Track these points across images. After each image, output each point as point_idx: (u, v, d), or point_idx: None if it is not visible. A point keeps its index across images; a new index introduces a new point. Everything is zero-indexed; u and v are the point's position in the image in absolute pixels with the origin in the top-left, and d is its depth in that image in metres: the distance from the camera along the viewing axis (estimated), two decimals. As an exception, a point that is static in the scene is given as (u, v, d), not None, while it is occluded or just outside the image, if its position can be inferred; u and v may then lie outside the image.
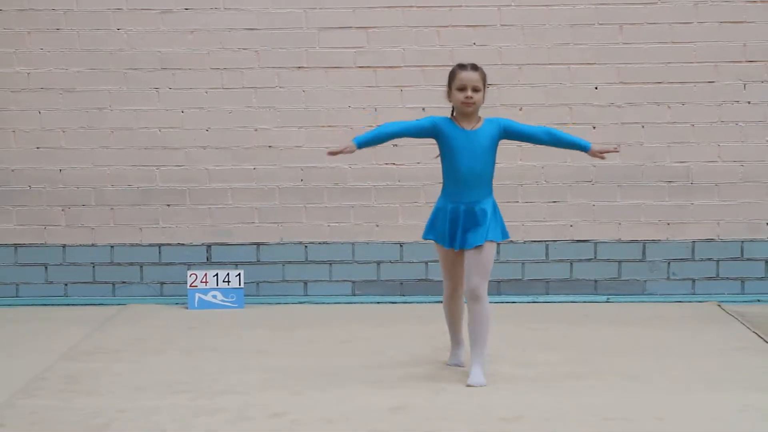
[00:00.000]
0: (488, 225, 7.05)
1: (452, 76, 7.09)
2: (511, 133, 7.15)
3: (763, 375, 7.23)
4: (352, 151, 6.94)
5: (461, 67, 7.09)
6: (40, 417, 6.27)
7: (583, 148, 7.19)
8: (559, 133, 7.24)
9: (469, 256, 7.01)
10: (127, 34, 10.33)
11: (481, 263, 7.00)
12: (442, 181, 7.20)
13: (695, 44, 10.23)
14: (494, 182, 10.22)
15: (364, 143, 6.99)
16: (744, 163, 10.27)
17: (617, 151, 7.42)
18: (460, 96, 7.01)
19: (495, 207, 7.20)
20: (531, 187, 10.31)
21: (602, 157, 7.25)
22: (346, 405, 6.51)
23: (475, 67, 7.07)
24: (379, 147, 10.18)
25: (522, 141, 7.32)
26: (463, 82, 6.99)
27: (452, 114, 7.16)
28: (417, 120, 7.19)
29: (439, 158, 7.17)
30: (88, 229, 10.43)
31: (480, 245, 7.00)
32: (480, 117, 7.12)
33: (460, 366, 7.38)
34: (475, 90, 6.98)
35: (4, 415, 6.31)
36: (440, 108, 10.27)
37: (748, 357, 7.79)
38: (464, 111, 7.04)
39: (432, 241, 7.33)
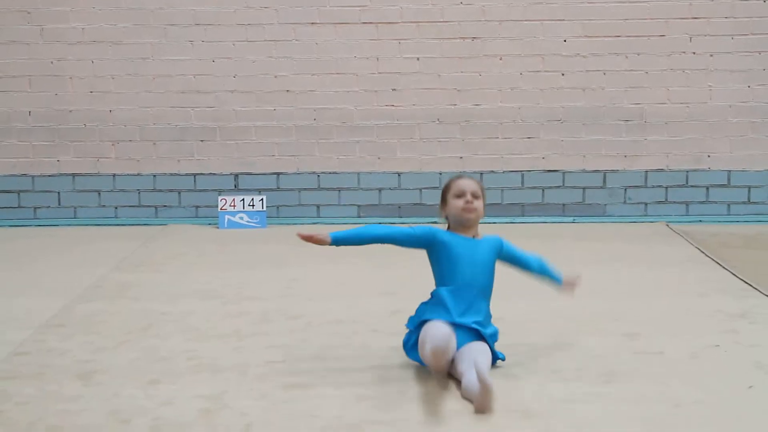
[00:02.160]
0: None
1: (446, 188, 5.26)
2: (506, 253, 5.32)
3: (703, 283, 7.23)
4: (323, 243, 5.09)
5: (456, 177, 5.34)
6: (95, 319, 6.28)
7: (556, 282, 5.49)
8: (545, 267, 5.48)
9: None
10: (166, -5, 10.27)
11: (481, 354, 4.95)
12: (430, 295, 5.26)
13: (649, 3, 10.16)
14: (477, 122, 10.23)
15: (340, 241, 5.16)
16: (689, 105, 10.23)
17: (577, 284, 5.56)
18: (458, 203, 5.15)
19: (494, 336, 5.20)
20: (509, 125, 10.27)
21: (571, 292, 5.59)
22: (353, 309, 6.51)
23: (471, 178, 5.32)
24: (380, 90, 10.20)
25: (513, 265, 5.40)
26: (461, 188, 5.18)
27: (448, 228, 5.27)
28: (410, 228, 5.26)
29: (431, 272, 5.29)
30: (134, 161, 10.40)
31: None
32: (478, 232, 5.26)
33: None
34: (475, 197, 5.17)
35: (64, 318, 6.32)
36: (432, 57, 10.24)
37: (691, 268, 7.79)
38: (464, 219, 5.16)
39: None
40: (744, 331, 5.90)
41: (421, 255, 5.22)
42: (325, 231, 5.12)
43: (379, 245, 5.32)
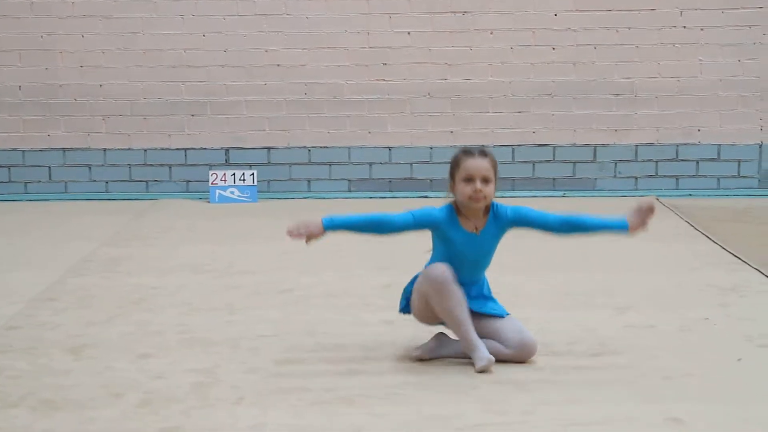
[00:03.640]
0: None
1: (455, 164, 4.84)
2: (524, 222, 4.92)
3: (693, 257, 7.24)
4: (316, 237, 4.77)
5: (466, 153, 4.84)
6: (87, 293, 6.27)
7: (620, 228, 5.07)
8: (579, 221, 5.04)
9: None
10: (156, -31, 10.21)
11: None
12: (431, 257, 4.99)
13: (640, -23, 10.14)
14: (468, 96, 10.21)
15: (334, 227, 4.80)
16: (680, 79, 10.23)
17: (652, 210, 5.08)
18: (466, 189, 4.75)
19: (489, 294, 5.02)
20: (500, 99, 10.25)
21: (645, 227, 5.09)
22: (345, 282, 6.52)
23: (483, 153, 4.84)
24: (371, 64, 10.18)
25: (537, 230, 5.00)
26: (470, 172, 4.75)
27: (455, 206, 4.87)
28: (410, 215, 4.83)
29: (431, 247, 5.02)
30: (125, 136, 10.37)
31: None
32: (488, 205, 4.85)
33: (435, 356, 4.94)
34: (485, 181, 4.76)
35: (57, 291, 6.31)
36: (423, 31, 10.20)
37: (682, 242, 7.80)
38: (473, 207, 4.80)
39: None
40: (734, 304, 5.92)
41: (406, 233, 5.07)
42: (316, 219, 4.76)
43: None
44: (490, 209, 4.87)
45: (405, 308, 5.06)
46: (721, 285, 6.36)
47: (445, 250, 4.86)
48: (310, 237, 4.75)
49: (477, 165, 4.77)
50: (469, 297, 4.85)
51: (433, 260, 4.92)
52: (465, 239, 4.83)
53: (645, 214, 4.98)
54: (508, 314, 4.94)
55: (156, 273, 6.85)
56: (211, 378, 4.62)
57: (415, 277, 4.99)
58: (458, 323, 4.75)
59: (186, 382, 4.56)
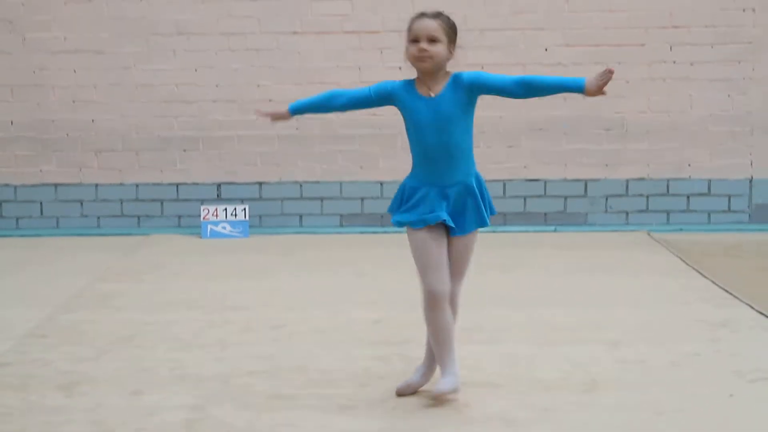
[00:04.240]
0: (483, 205, 4.88)
1: (408, 27, 4.75)
2: (481, 87, 4.78)
3: (684, 291, 7.26)
4: (282, 118, 4.94)
5: (418, 15, 4.75)
6: (78, 329, 6.27)
7: (576, 88, 4.74)
8: (536, 81, 4.78)
9: (459, 245, 4.86)
10: (149, 4, 10.22)
11: (468, 257, 4.95)
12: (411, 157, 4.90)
13: (629, 12, 10.19)
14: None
15: (299, 110, 4.95)
16: (670, 114, 10.27)
17: (611, 72, 4.69)
18: (412, 49, 4.68)
19: (482, 184, 4.94)
20: (491, 133, 10.29)
21: (603, 91, 4.74)
22: (335, 318, 6.53)
23: (436, 15, 4.75)
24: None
25: (500, 95, 4.89)
26: (415, 32, 4.68)
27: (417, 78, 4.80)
28: (368, 89, 4.87)
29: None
30: (116, 171, 10.38)
31: (473, 231, 4.87)
32: (448, 73, 4.79)
33: (413, 386, 4.97)
34: (432, 41, 4.65)
35: (47, 327, 6.31)
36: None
37: (673, 277, 7.82)
38: (419, 68, 4.71)
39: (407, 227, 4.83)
40: (725, 339, 5.94)
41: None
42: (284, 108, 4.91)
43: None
44: (450, 76, 4.77)
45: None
46: (711, 320, 6.37)
47: (410, 126, 4.77)
48: (276, 117, 4.92)
49: (424, 25, 4.68)
50: (452, 208, 4.78)
51: (409, 142, 4.82)
52: (422, 105, 4.71)
53: (604, 75, 4.67)
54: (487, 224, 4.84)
55: (147, 309, 6.85)
56: (202, 414, 4.63)
57: (403, 188, 4.84)
58: (440, 344, 4.76)
59: (178, 419, 4.57)
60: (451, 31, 4.77)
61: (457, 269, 4.87)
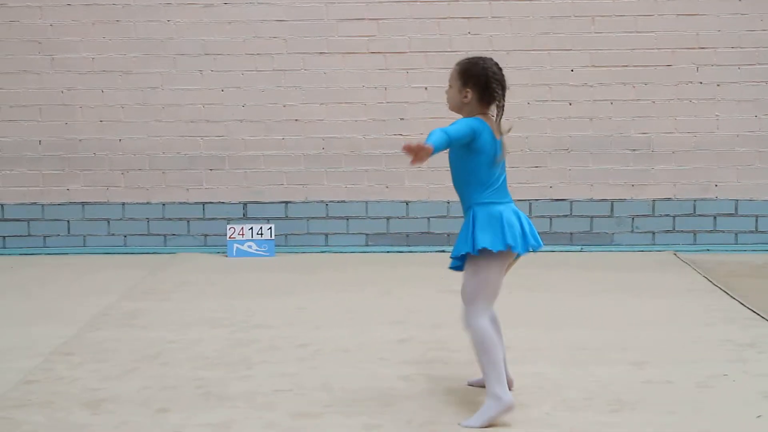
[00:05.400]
0: (466, 235, 4.97)
1: None
2: None
3: (711, 312, 7.21)
4: (426, 153, 4.54)
5: None
6: (104, 347, 6.29)
7: None
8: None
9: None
10: (176, 25, 10.30)
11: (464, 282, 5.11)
12: None
13: (656, 33, 10.19)
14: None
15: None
16: (696, 134, 10.24)
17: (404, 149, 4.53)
18: None
19: (476, 218, 4.92)
20: (517, 153, 10.27)
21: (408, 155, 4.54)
22: (360, 337, 6.52)
23: (457, 62, 5.17)
24: (388, 119, 10.28)
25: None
26: None
27: None
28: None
29: None
30: (143, 190, 10.43)
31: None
32: (472, 114, 5.17)
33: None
34: (449, 86, 5.14)
35: (73, 345, 6.33)
36: (440, 86, 10.26)
37: (699, 297, 7.78)
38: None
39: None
40: (752, 360, 5.90)
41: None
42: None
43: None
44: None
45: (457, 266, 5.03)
46: (738, 340, 6.33)
47: None
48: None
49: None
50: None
51: None
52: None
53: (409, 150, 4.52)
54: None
55: (173, 327, 6.86)
56: (227, 433, 4.63)
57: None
58: (489, 372, 4.77)
59: (202, 437, 4.57)
60: (465, 75, 5.07)
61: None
